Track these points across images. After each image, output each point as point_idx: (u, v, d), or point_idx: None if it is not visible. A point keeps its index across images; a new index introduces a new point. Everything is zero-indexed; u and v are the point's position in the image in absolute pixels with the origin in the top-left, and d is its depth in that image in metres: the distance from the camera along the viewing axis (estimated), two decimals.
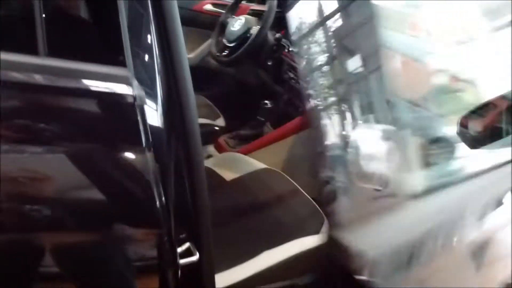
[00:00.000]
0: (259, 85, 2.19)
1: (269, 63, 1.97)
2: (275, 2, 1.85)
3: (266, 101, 1.82)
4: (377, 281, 1.13)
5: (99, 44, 0.79)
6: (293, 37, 2.06)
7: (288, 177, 1.54)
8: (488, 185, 1.19)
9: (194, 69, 2.42)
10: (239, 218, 1.40)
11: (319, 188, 1.81)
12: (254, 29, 1.88)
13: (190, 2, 2.36)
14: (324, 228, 1.30)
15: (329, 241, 1.27)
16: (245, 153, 1.75)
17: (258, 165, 1.59)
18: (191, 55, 2.45)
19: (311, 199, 1.43)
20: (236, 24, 1.94)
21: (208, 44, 2.46)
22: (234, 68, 2.22)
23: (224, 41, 1.97)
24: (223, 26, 2.10)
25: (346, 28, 1.52)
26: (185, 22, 2.25)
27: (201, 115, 1.88)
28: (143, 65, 0.78)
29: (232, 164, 1.59)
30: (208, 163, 1.57)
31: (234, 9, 2.12)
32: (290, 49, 1.96)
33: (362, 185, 1.21)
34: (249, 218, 1.40)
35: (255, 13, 2.37)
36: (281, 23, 1.91)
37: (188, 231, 0.85)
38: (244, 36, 1.90)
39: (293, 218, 1.36)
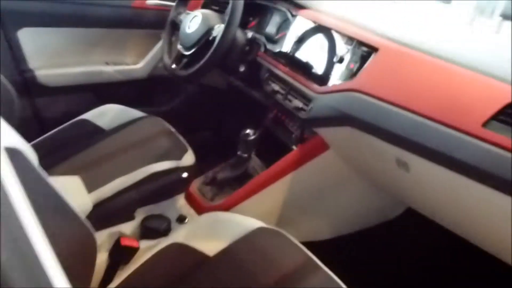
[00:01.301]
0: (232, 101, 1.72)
1: (242, 70, 1.49)
2: None
3: (248, 131, 1.34)
4: None
5: None
6: (270, 29, 1.59)
7: (294, 240, 1.11)
8: None
9: (145, 82, 1.97)
10: None
11: None
12: (217, 29, 1.39)
13: None
14: None
15: None
16: (231, 207, 1.30)
17: (250, 223, 1.14)
18: (140, 64, 1.94)
19: (329, 271, 1.01)
20: (192, 24, 1.44)
21: (160, 48, 1.95)
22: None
23: (179, 47, 1.47)
24: (175, 26, 1.60)
25: None
26: (124, 23, 1.76)
27: (160, 151, 1.43)
28: None
29: (214, 230, 1.14)
30: (180, 235, 1.12)
31: (184, 1, 1.61)
32: (267, 47, 1.48)
33: None
34: None
35: (214, 2, 1.87)
36: (249, 9, 1.43)
37: None
38: (204, 39, 1.41)
39: None
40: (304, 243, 1.21)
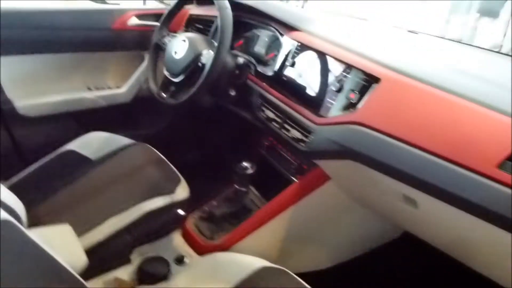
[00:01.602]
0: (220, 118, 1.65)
1: (232, 94, 1.43)
2: (228, 11, 1.29)
3: (245, 164, 1.27)
4: None
5: None
6: (258, 49, 1.53)
7: (298, 279, 1.06)
8: None
9: (129, 105, 1.89)
10: None
11: None
12: (206, 55, 1.33)
13: (107, 17, 1.74)
14: None
15: None
16: (231, 245, 1.25)
17: (253, 263, 1.09)
18: (124, 88, 1.86)
19: None
20: (179, 49, 1.38)
21: (144, 70, 1.88)
22: None
23: (166, 73, 1.41)
24: (159, 49, 1.52)
25: None
26: (105, 45, 1.68)
27: (152, 184, 1.35)
28: None
29: (216, 273, 1.08)
30: (181, 280, 1.06)
31: (168, 22, 1.54)
32: (258, 69, 1.43)
33: None
34: None
35: (198, 20, 1.80)
36: (235, 28, 1.34)
37: None
38: (192, 65, 1.34)
39: None
40: (306, 274, 1.17)
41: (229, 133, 2.02)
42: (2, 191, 0.95)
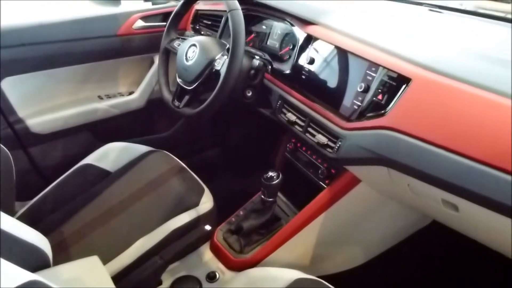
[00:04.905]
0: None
1: (249, 95, 1.36)
2: (239, 13, 1.20)
3: (271, 174, 1.21)
4: None
5: None
6: (271, 43, 1.46)
7: None
8: None
9: (143, 110, 1.84)
10: None
11: None
12: (219, 61, 1.26)
13: (112, 24, 1.67)
14: None
15: None
16: (263, 258, 1.21)
17: (287, 276, 1.05)
18: (136, 94, 1.80)
19: None
20: (190, 55, 1.31)
21: (155, 72, 1.82)
22: None
23: (179, 81, 1.34)
24: (169, 53, 1.46)
25: None
26: (113, 53, 1.60)
27: (176, 198, 1.31)
28: None
29: None
30: None
31: (175, 25, 1.46)
32: (274, 66, 1.36)
33: None
34: None
35: (205, 16, 1.73)
36: (246, 21, 1.23)
37: None
38: (206, 72, 1.28)
39: None
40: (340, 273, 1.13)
41: (250, 130, 1.96)
42: (28, 231, 0.92)
